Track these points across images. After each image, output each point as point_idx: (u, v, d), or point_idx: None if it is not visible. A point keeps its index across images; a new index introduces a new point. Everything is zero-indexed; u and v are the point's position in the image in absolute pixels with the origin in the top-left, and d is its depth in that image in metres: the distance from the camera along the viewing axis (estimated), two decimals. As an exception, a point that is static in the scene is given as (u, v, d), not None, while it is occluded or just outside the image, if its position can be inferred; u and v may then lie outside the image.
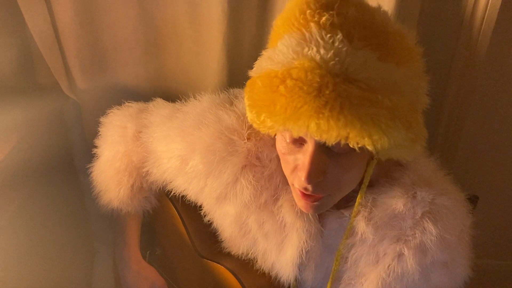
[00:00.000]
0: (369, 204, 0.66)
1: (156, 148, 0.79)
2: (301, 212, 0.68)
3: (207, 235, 0.82)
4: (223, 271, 0.77)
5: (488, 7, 0.91)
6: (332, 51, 0.53)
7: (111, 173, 0.85)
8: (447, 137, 1.06)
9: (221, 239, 0.81)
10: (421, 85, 0.61)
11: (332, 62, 0.53)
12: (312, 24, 0.55)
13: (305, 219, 0.68)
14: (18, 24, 0.93)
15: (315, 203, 0.63)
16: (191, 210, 0.82)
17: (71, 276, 1.10)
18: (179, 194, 0.78)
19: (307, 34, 0.55)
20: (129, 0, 0.91)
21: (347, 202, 0.68)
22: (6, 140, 0.84)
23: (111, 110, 0.89)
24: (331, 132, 0.53)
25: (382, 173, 0.69)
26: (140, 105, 0.88)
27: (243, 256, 0.78)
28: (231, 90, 0.79)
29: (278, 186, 0.70)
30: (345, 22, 0.55)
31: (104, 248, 1.23)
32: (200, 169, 0.71)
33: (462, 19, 0.94)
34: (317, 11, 0.56)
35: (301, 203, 0.64)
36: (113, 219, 0.93)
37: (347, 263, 0.69)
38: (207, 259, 0.81)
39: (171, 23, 0.95)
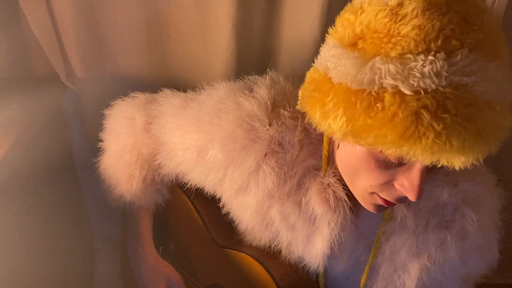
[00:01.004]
0: None
1: (169, 140, 0.79)
2: (333, 203, 0.68)
3: (225, 225, 0.83)
4: (245, 259, 0.78)
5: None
6: (494, 85, 0.50)
7: (120, 166, 0.85)
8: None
9: (240, 230, 0.81)
10: None
11: (490, 96, 0.50)
12: (456, 43, 0.50)
13: (339, 211, 0.68)
14: (14, 12, 0.91)
15: (390, 206, 0.63)
16: (205, 201, 0.83)
17: (72, 273, 1.10)
18: (194, 186, 0.78)
19: (459, 57, 0.49)
20: (131, -16, 0.90)
21: None
22: (7, 134, 0.82)
23: (116, 101, 0.88)
24: (469, 159, 0.51)
25: None
26: (148, 95, 0.87)
27: (265, 247, 0.78)
28: (248, 77, 0.78)
29: (305, 175, 0.69)
30: (486, 39, 0.52)
31: (104, 245, 1.22)
32: (219, 159, 0.71)
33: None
34: (457, 25, 0.51)
35: (372, 206, 0.64)
36: (120, 215, 0.92)
37: (384, 254, 0.71)
38: (228, 249, 0.81)
39: (176, 7, 0.94)
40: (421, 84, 0.49)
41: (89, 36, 0.95)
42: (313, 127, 0.60)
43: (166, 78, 1.02)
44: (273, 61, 1.00)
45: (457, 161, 0.50)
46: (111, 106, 0.89)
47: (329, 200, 0.68)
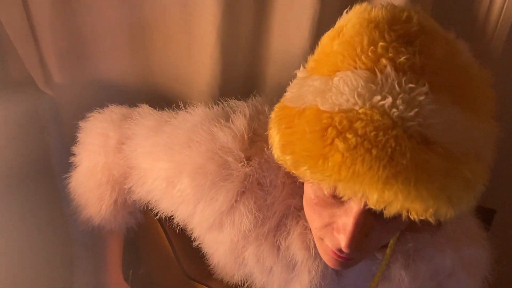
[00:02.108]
0: (411, 253, 0.66)
1: (140, 165, 0.76)
2: (314, 249, 0.64)
3: (196, 255, 0.81)
4: None
5: (504, 9, 0.88)
6: (415, 109, 0.45)
7: (91, 186, 0.83)
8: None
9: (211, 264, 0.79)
10: (494, 140, 0.53)
11: (412, 123, 0.45)
12: (385, 62, 0.47)
13: (320, 258, 0.64)
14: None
15: (344, 261, 0.57)
16: (177, 228, 0.80)
17: (49, 281, 1.10)
18: (165, 216, 0.76)
19: (379, 76, 0.46)
20: (112, -14, 0.87)
21: None
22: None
23: (92, 114, 0.85)
24: (394, 204, 0.45)
25: None
26: (124, 110, 0.85)
27: (237, 285, 0.76)
28: (227, 102, 0.74)
29: (286, 216, 0.66)
30: (428, 65, 0.47)
31: (83, 252, 1.22)
32: (188, 194, 0.68)
33: (475, 19, 0.91)
34: (393, 44, 0.48)
35: (327, 257, 0.59)
36: (92, 236, 0.90)
37: None
38: (196, 282, 0.80)
39: (160, 12, 0.91)
40: (335, 101, 0.47)
41: (68, 39, 0.93)
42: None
43: (149, 85, 1.00)
44: (261, 73, 0.97)
45: (372, 196, 0.45)
46: (87, 118, 0.86)
47: (309, 246, 0.65)
